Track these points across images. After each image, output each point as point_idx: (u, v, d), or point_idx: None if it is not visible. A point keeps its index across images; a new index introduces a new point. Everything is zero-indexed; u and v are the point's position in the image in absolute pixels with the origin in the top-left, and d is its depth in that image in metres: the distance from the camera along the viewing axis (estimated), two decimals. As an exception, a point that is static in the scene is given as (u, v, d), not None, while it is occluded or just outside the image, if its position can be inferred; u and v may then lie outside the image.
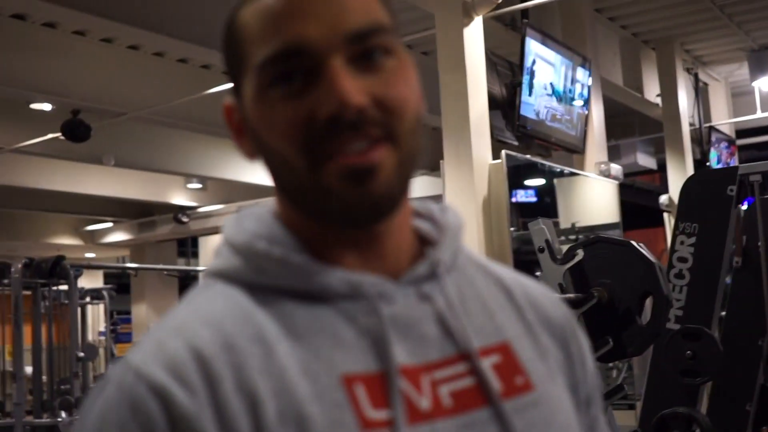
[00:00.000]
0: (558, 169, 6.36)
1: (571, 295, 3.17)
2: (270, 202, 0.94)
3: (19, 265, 8.63)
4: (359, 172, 0.82)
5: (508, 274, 1.00)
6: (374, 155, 0.82)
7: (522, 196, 6.01)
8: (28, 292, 9.35)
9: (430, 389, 0.85)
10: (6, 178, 11.38)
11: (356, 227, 0.87)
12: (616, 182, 7.02)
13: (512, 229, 5.31)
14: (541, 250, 3.27)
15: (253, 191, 13.35)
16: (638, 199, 11.06)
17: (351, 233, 0.88)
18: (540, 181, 6.32)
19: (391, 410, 0.81)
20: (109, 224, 16.38)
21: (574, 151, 6.92)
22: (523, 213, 5.82)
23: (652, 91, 9.92)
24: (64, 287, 9.28)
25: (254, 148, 0.90)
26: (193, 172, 12.01)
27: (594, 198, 7.04)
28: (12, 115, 9.09)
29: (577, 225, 6.57)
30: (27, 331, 9.87)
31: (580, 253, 3.22)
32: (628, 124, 10.82)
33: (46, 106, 8.36)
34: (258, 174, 12.12)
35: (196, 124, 9.14)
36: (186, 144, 11.12)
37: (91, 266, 13.94)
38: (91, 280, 15.18)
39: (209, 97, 7.94)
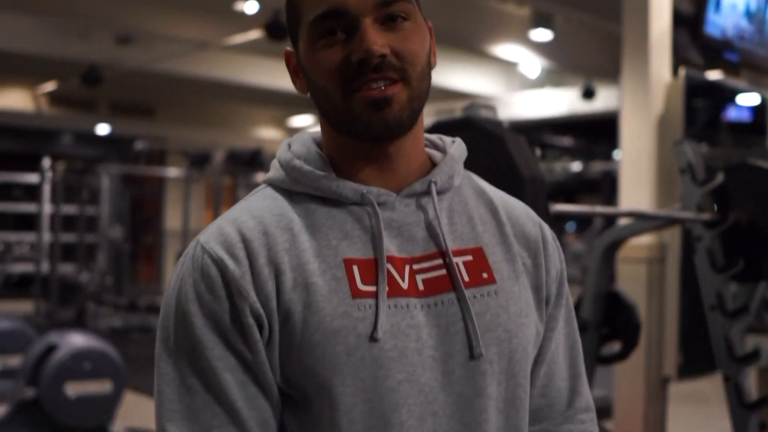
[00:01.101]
0: (743, 89, 6.20)
1: (706, 216, 3.23)
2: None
3: (221, 155, 9.26)
4: (378, 102, 1.10)
5: (500, 199, 1.28)
6: (390, 90, 1.11)
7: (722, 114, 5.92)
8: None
9: (409, 275, 1.14)
10: (213, 72, 12.03)
11: (374, 141, 1.14)
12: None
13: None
14: (683, 172, 3.34)
15: (450, 95, 13.56)
16: None
17: (370, 149, 1.16)
18: (725, 101, 6.18)
19: (377, 285, 1.11)
20: (309, 119, 17.03)
21: (765, 71, 6.70)
22: (727, 131, 5.75)
23: None
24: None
25: (306, 85, 1.19)
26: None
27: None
28: (218, 14, 9.60)
29: None
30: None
31: (720, 177, 3.26)
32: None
33: (251, 6, 8.77)
34: (456, 78, 12.28)
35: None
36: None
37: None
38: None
39: None
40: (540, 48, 10.47)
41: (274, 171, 1.22)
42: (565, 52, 10.88)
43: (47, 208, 14.01)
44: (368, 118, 1.11)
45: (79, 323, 11.46)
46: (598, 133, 16.52)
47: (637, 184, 5.31)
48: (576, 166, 17.53)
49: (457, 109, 11.33)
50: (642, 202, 5.22)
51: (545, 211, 2.28)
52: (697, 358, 5.09)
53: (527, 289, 1.21)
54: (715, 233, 3.25)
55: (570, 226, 21.98)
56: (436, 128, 2.47)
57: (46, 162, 13.33)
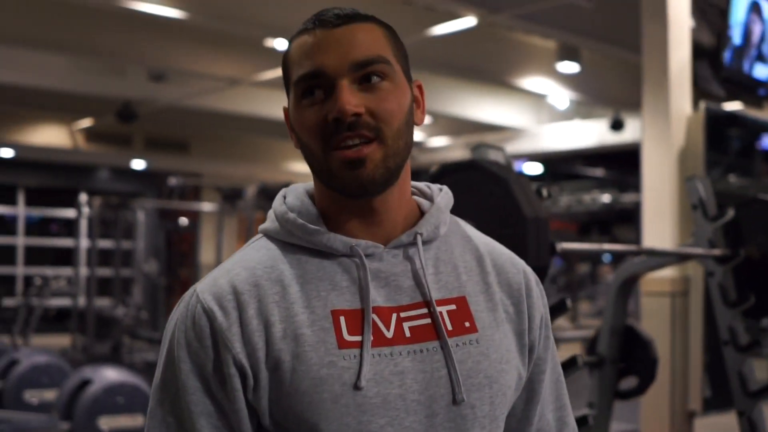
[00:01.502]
0: (764, 122, 6.22)
1: (717, 252, 3.27)
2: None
3: (253, 190, 9.40)
4: (353, 162, 1.18)
5: (486, 246, 1.35)
6: (364, 151, 1.18)
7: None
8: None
9: (395, 324, 1.21)
10: (245, 107, 12.20)
11: (354, 198, 1.22)
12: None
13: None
14: (695, 208, 3.39)
15: (480, 127, 13.65)
16: None
17: (354, 204, 1.23)
18: (749, 132, 6.20)
19: (362, 336, 1.18)
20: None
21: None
22: (761, 161, 5.77)
23: None
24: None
25: (297, 140, 1.27)
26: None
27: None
28: (249, 51, 9.76)
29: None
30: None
31: (731, 212, 3.31)
32: None
33: (281, 43, 8.91)
34: (485, 111, 12.35)
35: (417, 62, 9.46)
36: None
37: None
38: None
39: (432, 38, 8.26)
40: (567, 80, 10.54)
41: (270, 222, 1.29)
42: (593, 84, 10.93)
43: (84, 242, 14.21)
44: (343, 177, 1.18)
45: (115, 357, 11.61)
46: (630, 164, 16.49)
47: (659, 218, 5.34)
48: (606, 198, 17.50)
49: (487, 142, 11.32)
50: (664, 236, 5.25)
51: (549, 250, 2.35)
52: (723, 393, 5.09)
53: (508, 336, 1.28)
54: (727, 268, 3.30)
55: (606, 258, 21.89)
56: (443, 171, 2.55)
57: (83, 197, 13.55)
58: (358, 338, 1.18)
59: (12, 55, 10.01)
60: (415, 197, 1.32)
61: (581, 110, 13.34)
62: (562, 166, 19.43)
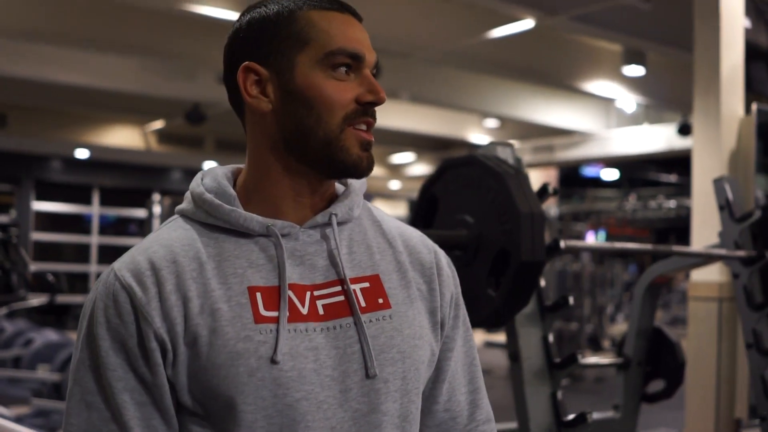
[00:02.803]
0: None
1: (742, 253, 3.21)
2: (231, 165, 1.39)
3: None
4: (368, 143, 1.27)
5: (397, 228, 1.40)
6: (372, 137, 1.28)
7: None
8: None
9: (310, 301, 1.25)
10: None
11: (348, 176, 1.27)
12: None
13: None
14: (722, 208, 3.32)
15: (548, 131, 13.55)
16: None
17: (306, 184, 1.28)
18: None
19: (278, 311, 1.21)
20: (412, 157, 17.20)
21: None
22: None
23: None
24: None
25: (278, 105, 1.28)
26: (489, 111, 12.36)
27: None
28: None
29: None
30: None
31: (757, 214, 3.24)
32: None
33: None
34: (553, 115, 12.24)
35: (482, 64, 9.45)
36: (479, 83, 11.49)
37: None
38: (393, 208, 16.03)
39: (495, 40, 8.25)
40: (634, 84, 10.41)
41: (187, 203, 1.31)
42: (660, 88, 10.77)
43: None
44: (358, 155, 1.25)
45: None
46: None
47: (707, 222, 5.24)
48: (672, 203, 17.20)
49: (555, 146, 11.27)
50: (714, 240, 5.15)
51: (542, 245, 2.34)
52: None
53: (421, 312, 1.32)
54: (753, 270, 3.23)
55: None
56: (445, 166, 2.56)
57: (154, 197, 13.83)
58: (274, 314, 1.21)
59: (86, 58, 10.30)
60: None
61: (650, 114, 13.16)
62: (637, 172, 19.17)
